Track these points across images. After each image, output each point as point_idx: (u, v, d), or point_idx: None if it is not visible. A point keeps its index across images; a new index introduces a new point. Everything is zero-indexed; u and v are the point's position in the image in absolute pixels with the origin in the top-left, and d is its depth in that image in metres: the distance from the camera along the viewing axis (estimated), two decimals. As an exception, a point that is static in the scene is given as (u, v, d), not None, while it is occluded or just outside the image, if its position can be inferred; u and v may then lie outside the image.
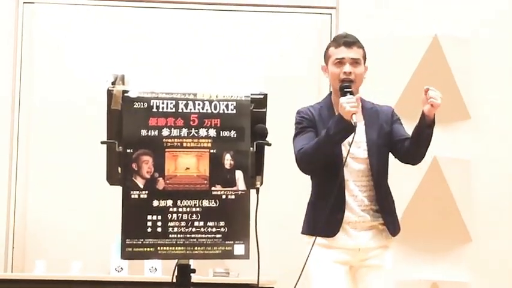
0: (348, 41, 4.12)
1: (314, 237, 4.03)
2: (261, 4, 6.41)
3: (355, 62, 4.10)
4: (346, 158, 3.98)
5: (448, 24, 6.33)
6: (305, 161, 4.05)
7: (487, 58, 6.35)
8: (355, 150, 4.03)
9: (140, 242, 3.18)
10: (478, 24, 6.38)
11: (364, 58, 4.16)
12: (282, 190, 6.11)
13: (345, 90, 3.99)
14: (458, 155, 6.23)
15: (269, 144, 3.31)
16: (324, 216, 3.99)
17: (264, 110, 3.33)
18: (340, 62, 4.10)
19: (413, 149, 4.08)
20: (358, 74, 4.10)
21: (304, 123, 4.13)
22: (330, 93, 4.26)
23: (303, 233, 4.24)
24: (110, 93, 3.26)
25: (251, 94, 3.32)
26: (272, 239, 5.82)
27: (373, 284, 4.09)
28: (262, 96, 3.34)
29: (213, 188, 3.23)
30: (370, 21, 6.26)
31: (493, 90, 6.35)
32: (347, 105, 3.87)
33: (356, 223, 4.07)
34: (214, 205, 3.23)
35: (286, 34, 6.40)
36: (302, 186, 6.30)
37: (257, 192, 3.31)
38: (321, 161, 4.02)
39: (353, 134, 3.89)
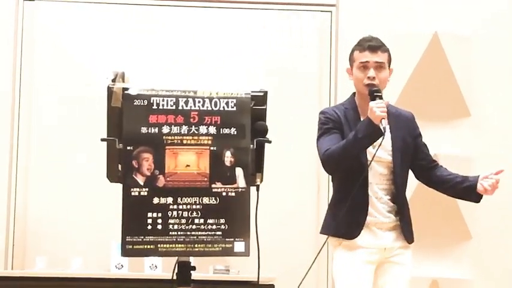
0: (372, 45, 4.12)
1: (337, 239, 4.08)
2: (261, 2, 6.41)
3: (379, 66, 4.10)
4: (371, 161, 4.01)
5: (448, 21, 6.33)
6: (331, 162, 4.05)
7: (487, 56, 6.35)
8: (380, 154, 4.04)
9: (140, 239, 3.19)
10: (478, 21, 6.38)
11: (389, 61, 4.18)
12: (282, 187, 6.12)
13: (375, 94, 3.99)
14: (458, 153, 6.23)
15: (269, 142, 3.31)
16: (346, 218, 4.02)
17: (264, 107, 3.33)
18: (365, 66, 4.10)
19: (437, 185, 4.26)
20: (382, 78, 4.11)
21: (330, 124, 4.12)
22: (353, 94, 4.25)
23: (322, 232, 4.23)
24: (110, 90, 3.26)
25: (251, 91, 3.32)
26: (272, 236, 5.82)
27: (393, 280, 4.14)
28: (262, 94, 3.34)
29: (213, 185, 3.23)
30: (370, 18, 6.25)
31: (493, 88, 6.35)
32: (377, 109, 3.89)
33: (382, 224, 4.11)
34: (215, 202, 3.23)
35: (286, 31, 6.40)
36: (302, 183, 6.34)
37: (257, 190, 3.32)
38: (347, 163, 4.04)
39: (381, 138, 3.92)
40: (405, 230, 4.15)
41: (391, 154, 4.12)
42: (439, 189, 4.27)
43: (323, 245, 4.06)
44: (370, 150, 4.04)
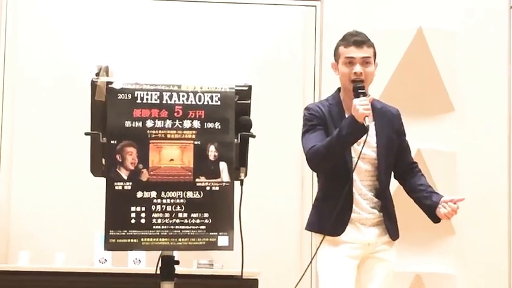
0: (358, 40, 4.09)
1: (322, 235, 4.05)
2: (246, -4, 6.41)
3: (365, 61, 4.08)
4: (357, 159, 4.00)
5: (433, 16, 6.34)
6: (316, 160, 4.04)
7: (471, 51, 6.36)
8: (365, 150, 4.02)
9: (124, 233, 3.19)
10: (462, 16, 6.39)
11: (375, 56, 4.16)
12: (267, 182, 6.12)
13: (359, 91, 3.97)
14: (442, 147, 6.25)
15: (253, 136, 3.32)
16: (332, 216, 4.00)
17: (249, 101, 3.34)
18: (351, 61, 4.08)
19: (407, 192, 4.27)
20: (368, 73, 4.08)
21: (314, 120, 4.10)
22: (338, 89, 4.23)
23: (307, 229, 4.23)
24: (94, 84, 3.25)
25: (235, 86, 3.33)
26: (256, 230, 5.83)
27: (377, 276, 4.13)
28: (246, 88, 3.34)
29: (197, 180, 3.23)
30: (355, 13, 6.26)
31: (477, 83, 6.36)
32: (360, 107, 3.87)
33: (366, 220, 4.10)
34: (198, 196, 3.23)
35: (271, 26, 6.40)
36: (287, 178, 6.34)
37: (241, 184, 3.32)
38: (332, 161, 4.02)
39: (365, 135, 3.92)
40: (389, 225, 4.14)
41: (375, 151, 4.11)
42: (410, 196, 4.26)
43: (319, 245, 4.03)
44: (355, 147, 4.03)
